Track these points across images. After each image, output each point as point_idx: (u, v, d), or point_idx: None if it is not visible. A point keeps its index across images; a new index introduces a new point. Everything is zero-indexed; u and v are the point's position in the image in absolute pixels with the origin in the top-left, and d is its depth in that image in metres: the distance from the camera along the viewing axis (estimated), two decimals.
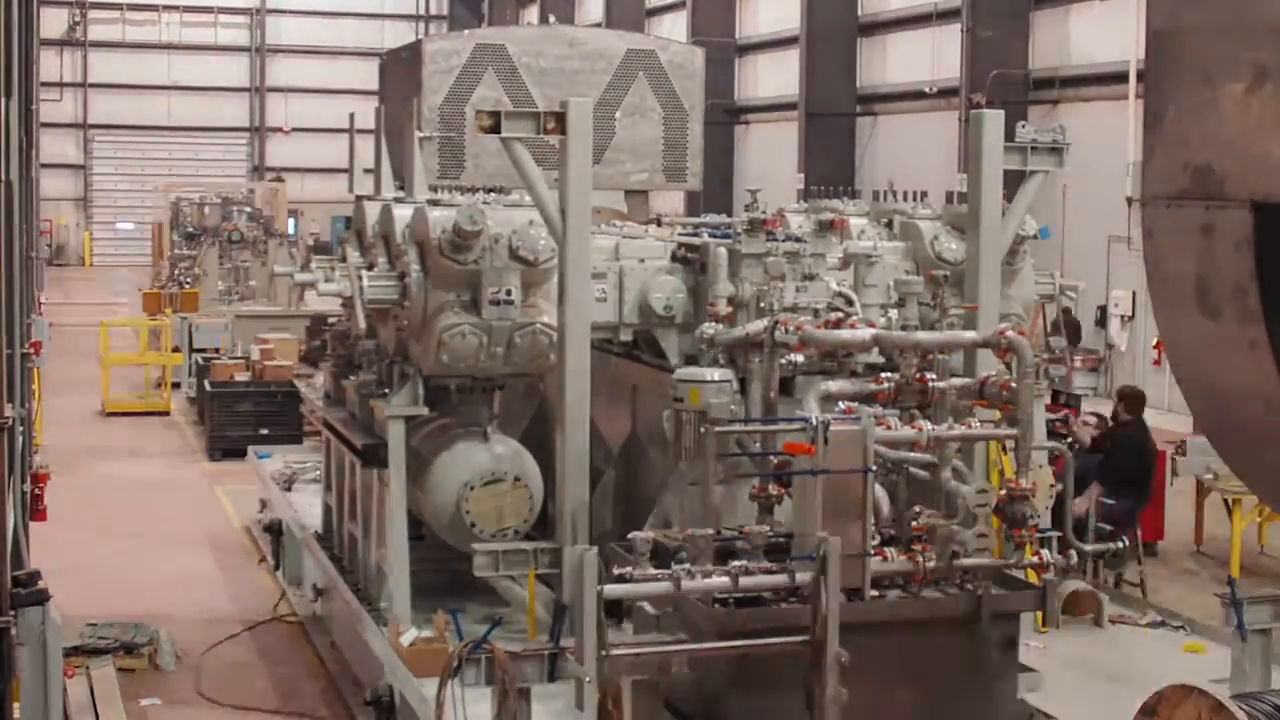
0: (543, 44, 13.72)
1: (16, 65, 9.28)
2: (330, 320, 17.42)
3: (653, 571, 8.03)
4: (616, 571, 8.11)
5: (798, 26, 35.38)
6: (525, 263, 10.63)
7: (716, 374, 9.36)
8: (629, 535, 8.40)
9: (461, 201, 11.04)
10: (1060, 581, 10.18)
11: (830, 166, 32.66)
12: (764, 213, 10.90)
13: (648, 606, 8.58)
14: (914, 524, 8.45)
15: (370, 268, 11.12)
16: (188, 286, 30.88)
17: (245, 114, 59.01)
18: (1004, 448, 10.41)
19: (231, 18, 58.72)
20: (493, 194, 11.78)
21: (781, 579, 8.05)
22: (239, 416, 21.36)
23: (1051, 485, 11.15)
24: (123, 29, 57.54)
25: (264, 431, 20.53)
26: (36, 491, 11.40)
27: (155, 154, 57.06)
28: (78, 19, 56.38)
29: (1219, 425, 4.36)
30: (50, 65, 51.65)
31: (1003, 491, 8.54)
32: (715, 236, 11.07)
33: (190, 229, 32.76)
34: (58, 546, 14.40)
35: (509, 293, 10.61)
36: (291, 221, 36.82)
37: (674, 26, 42.14)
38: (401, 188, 12.17)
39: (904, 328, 9.80)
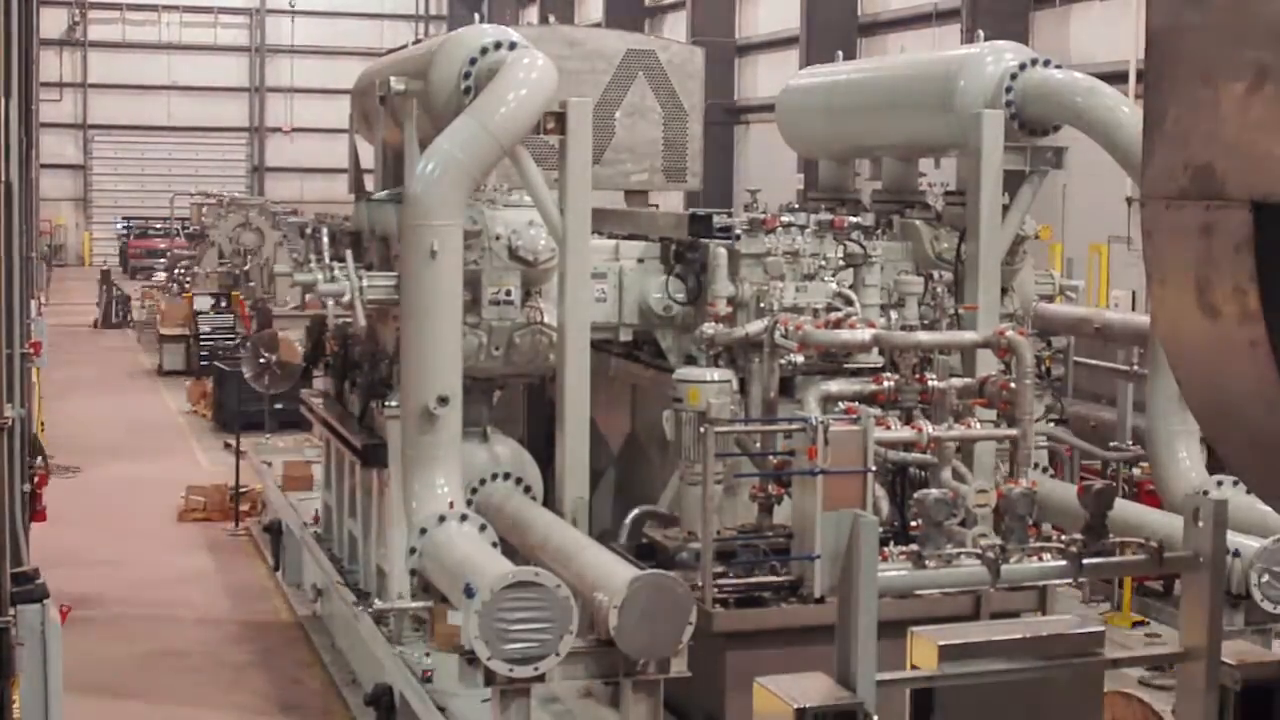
0: (542, 44, 13.67)
1: (16, 65, 9.27)
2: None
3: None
4: None
5: (798, 26, 35.30)
6: (525, 263, 10.62)
7: (716, 374, 9.36)
8: None
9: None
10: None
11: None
12: (764, 213, 10.90)
13: None
14: (911, 524, 8.44)
15: (370, 268, 11.11)
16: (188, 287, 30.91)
17: (245, 114, 58.97)
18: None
19: (231, 18, 58.68)
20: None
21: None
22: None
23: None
24: (123, 29, 57.48)
25: (278, 406, 20.46)
26: (36, 491, 11.39)
27: (155, 154, 57.00)
28: (78, 19, 56.31)
29: (1219, 426, 4.34)
30: (50, 65, 51.55)
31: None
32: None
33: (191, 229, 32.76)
34: None
35: (509, 293, 10.60)
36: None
37: (674, 26, 42.05)
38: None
39: (904, 328, 9.80)
